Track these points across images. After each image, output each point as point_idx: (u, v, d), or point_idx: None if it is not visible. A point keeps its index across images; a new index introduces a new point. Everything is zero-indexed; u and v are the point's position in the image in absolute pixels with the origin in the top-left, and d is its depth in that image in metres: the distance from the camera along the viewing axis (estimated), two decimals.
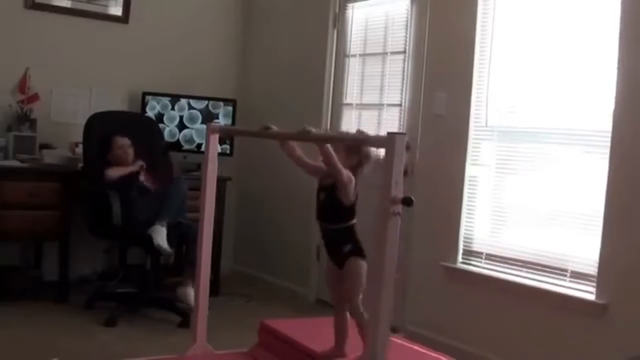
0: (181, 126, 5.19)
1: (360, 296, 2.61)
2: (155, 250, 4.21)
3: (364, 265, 2.59)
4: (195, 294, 3.16)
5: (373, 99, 4.73)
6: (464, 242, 4.01)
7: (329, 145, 2.51)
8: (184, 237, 4.33)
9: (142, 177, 4.44)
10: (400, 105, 4.48)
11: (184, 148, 5.18)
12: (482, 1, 3.94)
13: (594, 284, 3.34)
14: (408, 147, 2.14)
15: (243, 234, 5.73)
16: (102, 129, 4.53)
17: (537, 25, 3.72)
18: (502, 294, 3.73)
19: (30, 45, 4.84)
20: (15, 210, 4.35)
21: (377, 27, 4.70)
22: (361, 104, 4.83)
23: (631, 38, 3.24)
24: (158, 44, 5.33)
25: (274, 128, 2.76)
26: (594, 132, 3.42)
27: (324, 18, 4.98)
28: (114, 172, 4.36)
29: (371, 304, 2.14)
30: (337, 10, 4.95)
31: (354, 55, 4.88)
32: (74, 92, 5.03)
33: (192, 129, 5.20)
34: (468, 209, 3.99)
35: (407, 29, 4.44)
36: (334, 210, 2.62)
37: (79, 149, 4.66)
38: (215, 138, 3.08)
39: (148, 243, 4.20)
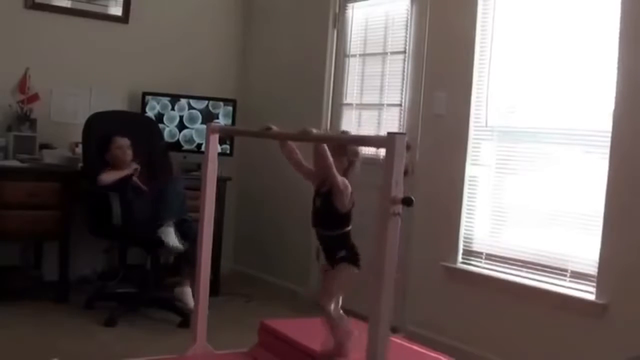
0: (181, 126, 5.19)
1: (340, 303, 2.65)
2: (168, 250, 4.21)
3: (352, 273, 2.62)
4: (196, 294, 3.16)
5: (373, 99, 4.72)
6: (464, 242, 4.01)
7: (325, 146, 2.51)
8: (184, 237, 4.33)
9: (135, 179, 4.42)
10: (400, 105, 4.48)
11: (184, 148, 5.18)
12: (482, 1, 3.94)
13: (594, 284, 3.34)
14: (408, 147, 2.14)
15: (243, 234, 5.73)
16: (102, 129, 4.53)
17: (537, 25, 3.71)
18: (502, 294, 3.73)
19: (30, 45, 4.84)
20: (15, 210, 4.35)
21: (377, 27, 4.69)
22: (361, 104, 4.82)
23: (631, 38, 3.24)
24: (158, 44, 5.33)
25: (275, 129, 2.76)
26: (594, 132, 3.41)
27: (324, 18, 4.98)
28: (107, 177, 4.33)
29: (371, 304, 2.14)
30: (337, 10, 4.95)
31: (354, 55, 4.88)
32: (74, 92, 5.03)
33: (192, 129, 5.20)
34: (468, 209, 3.99)
35: (407, 29, 4.44)
36: (329, 216, 2.63)
37: (79, 149, 4.66)
38: (215, 138, 3.08)
39: (148, 243, 4.20)
